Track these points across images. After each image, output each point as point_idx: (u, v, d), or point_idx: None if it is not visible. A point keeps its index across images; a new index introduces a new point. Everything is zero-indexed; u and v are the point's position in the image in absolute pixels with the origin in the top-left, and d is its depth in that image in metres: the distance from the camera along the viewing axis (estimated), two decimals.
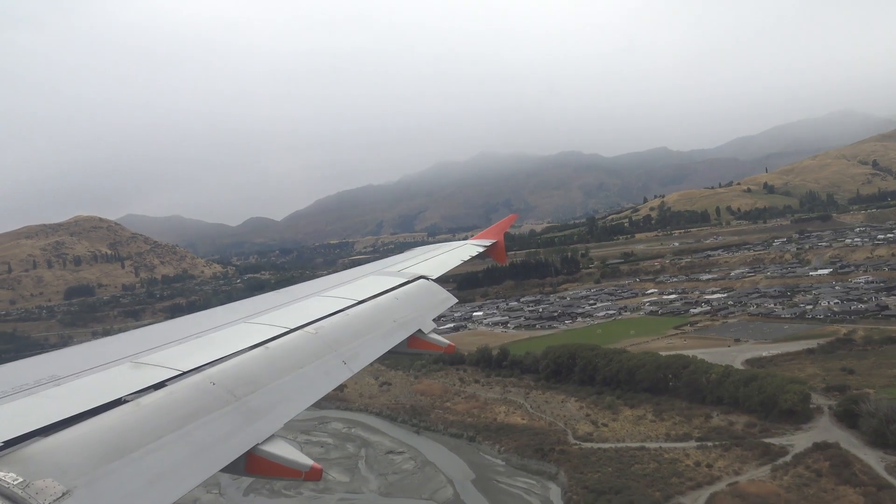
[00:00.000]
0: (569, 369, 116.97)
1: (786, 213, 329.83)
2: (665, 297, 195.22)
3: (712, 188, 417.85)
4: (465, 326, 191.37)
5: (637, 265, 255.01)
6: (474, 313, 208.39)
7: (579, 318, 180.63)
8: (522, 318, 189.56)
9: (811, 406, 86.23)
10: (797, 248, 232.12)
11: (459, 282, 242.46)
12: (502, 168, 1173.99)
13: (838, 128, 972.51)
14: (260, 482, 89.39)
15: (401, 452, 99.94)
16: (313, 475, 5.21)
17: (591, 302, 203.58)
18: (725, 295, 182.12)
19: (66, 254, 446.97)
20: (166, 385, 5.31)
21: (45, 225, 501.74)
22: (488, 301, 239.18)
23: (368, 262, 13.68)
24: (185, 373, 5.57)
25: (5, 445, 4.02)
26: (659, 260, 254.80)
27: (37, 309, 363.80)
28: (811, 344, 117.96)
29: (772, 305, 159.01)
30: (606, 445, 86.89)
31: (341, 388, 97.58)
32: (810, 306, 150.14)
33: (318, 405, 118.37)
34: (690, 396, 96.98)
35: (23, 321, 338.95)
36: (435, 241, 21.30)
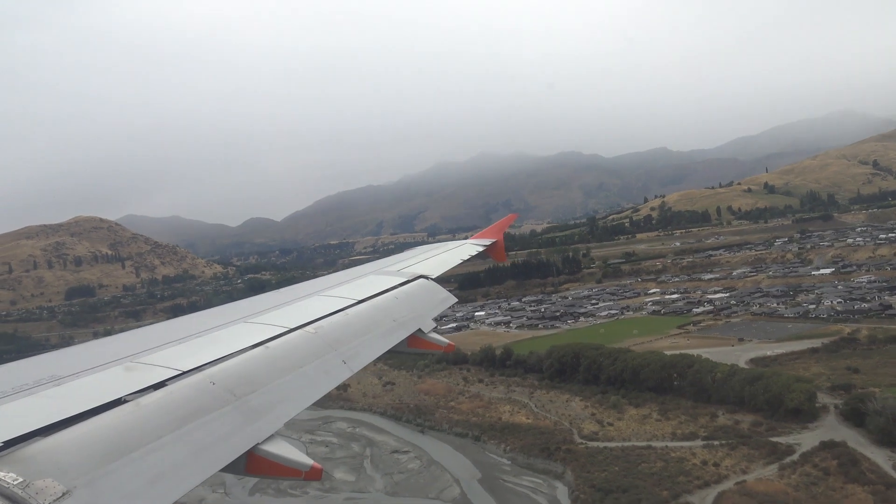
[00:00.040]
0: (573, 369, 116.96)
1: (787, 212, 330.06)
2: (667, 296, 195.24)
3: (713, 188, 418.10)
4: (468, 326, 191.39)
5: (639, 265, 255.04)
6: (476, 313, 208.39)
7: (582, 318, 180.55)
8: (525, 318, 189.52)
9: (817, 405, 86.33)
10: (799, 248, 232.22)
11: (461, 282, 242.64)
12: (502, 168, 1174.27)
13: (838, 128, 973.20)
14: (265, 482, 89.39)
15: (406, 452, 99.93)
16: (313, 475, 5.23)
17: (594, 301, 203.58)
18: (728, 294, 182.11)
19: (66, 254, 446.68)
20: (166, 385, 5.32)
21: (45, 225, 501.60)
22: (490, 301, 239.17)
23: (368, 262, 13.71)
24: (184, 372, 5.57)
25: (5, 445, 4.02)
26: (660, 260, 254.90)
27: (37, 309, 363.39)
28: (815, 343, 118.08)
29: (775, 305, 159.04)
30: (612, 444, 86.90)
31: (345, 387, 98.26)
32: (813, 306, 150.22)
33: (322, 405, 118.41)
34: (695, 396, 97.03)
35: (23, 322, 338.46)
36: (435, 242, 21.28)
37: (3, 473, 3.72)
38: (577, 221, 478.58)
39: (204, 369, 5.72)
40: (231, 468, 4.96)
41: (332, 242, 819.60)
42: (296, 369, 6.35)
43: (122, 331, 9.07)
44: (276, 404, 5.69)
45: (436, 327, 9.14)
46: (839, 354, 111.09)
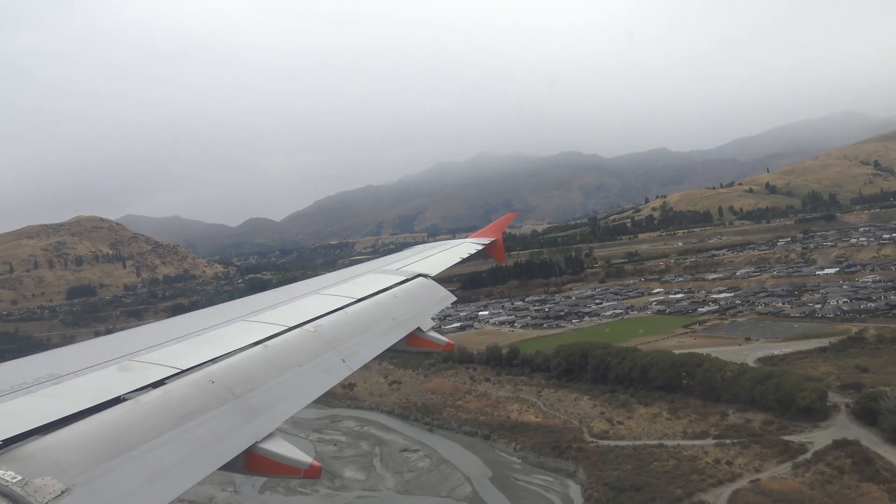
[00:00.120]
0: (581, 368, 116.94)
1: (788, 213, 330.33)
2: (671, 296, 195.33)
3: (714, 188, 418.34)
4: (472, 326, 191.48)
5: (641, 265, 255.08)
6: (480, 313, 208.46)
7: (586, 318, 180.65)
8: (529, 318, 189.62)
9: (828, 404, 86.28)
10: (802, 248, 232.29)
11: (463, 281, 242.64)
12: (502, 168, 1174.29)
13: (838, 128, 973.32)
14: (275, 480, 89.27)
15: (415, 450, 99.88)
16: (312, 473, 5.23)
17: (598, 301, 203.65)
18: (732, 294, 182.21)
19: (67, 254, 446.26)
20: (165, 383, 5.31)
21: (46, 225, 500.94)
22: (493, 301, 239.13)
23: (368, 262, 13.70)
24: (183, 371, 5.55)
25: (4, 444, 4.00)
26: (663, 259, 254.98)
27: (38, 309, 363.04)
28: (823, 342, 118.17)
29: (780, 304, 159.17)
30: (624, 443, 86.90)
31: (350, 386, 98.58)
32: (819, 305, 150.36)
33: (329, 403, 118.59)
34: (705, 394, 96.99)
35: (24, 321, 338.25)
36: (434, 242, 21.24)
37: (1, 472, 3.71)
38: (578, 222, 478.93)
39: (203, 368, 5.71)
40: (230, 466, 4.95)
41: (332, 243, 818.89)
42: (295, 368, 6.36)
43: (123, 330, 9.03)
44: (275, 403, 5.70)
45: (435, 326, 9.11)
46: (847, 354, 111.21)
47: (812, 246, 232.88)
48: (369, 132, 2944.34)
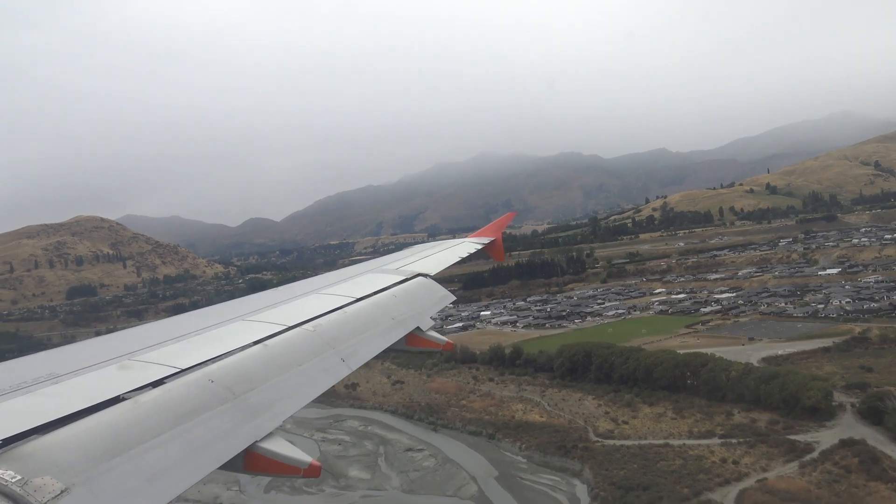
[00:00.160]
0: (584, 367, 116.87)
1: (789, 213, 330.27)
2: (673, 296, 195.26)
3: (714, 189, 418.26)
4: (474, 326, 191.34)
5: (643, 265, 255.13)
6: (482, 313, 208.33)
7: (588, 318, 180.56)
8: (531, 318, 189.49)
9: (833, 404, 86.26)
10: (804, 248, 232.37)
11: (465, 281, 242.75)
12: (502, 168, 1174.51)
13: (838, 129, 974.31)
14: (280, 479, 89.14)
15: (420, 450, 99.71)
16: (312, 472, 5.24)
17: (600, 301, 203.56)
18: (734, 294, 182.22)
19: (67, 254, 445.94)
20: (164, 383, 5.32)
21: (46, 225, 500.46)
22: (494, 301, 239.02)
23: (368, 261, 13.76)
24: (183, 370, 5.57)
25: (4, 443, 4.01)
26: (665, 260, 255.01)
27: (39, 309, 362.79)
28: (826, 342, 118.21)
29: (783, 304, 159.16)
30: (629, 443, 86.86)
31: (353, 386, 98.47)
32: (822, 305, 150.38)
33: (332, 403, 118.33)
34: (710, 394, 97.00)
35: (25, 321, 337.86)
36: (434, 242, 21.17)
37: (1, 471, 3.72)
38: (578, 222, 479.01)
39: (202, 367, 5.72)
40: (230, 466, 4.96)
41: (332, 243, 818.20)
42: (294, 367, 6.37)
43: (123, 330, 9.05)
44: (275, 402, 5.72)
45: (437, 326, 9.09)
46: (851, 353, 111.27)
47: (814, 246, 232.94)
48: (369, 132, 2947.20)
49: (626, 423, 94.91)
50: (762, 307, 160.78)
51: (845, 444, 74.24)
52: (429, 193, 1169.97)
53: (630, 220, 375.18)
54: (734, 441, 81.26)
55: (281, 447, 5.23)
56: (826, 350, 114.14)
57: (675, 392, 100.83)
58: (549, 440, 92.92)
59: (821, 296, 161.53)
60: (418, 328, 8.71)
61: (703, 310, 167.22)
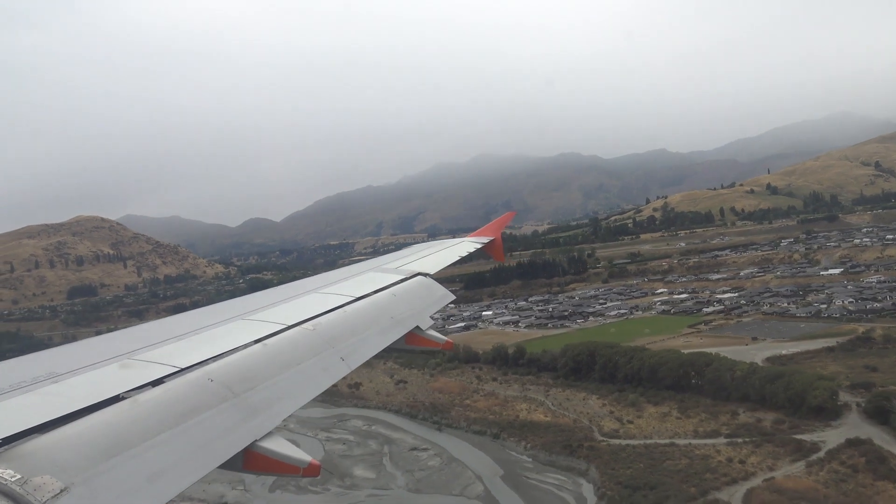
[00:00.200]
0: (588, 367, 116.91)
1: (790, 213, 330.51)
2: (676, 296, 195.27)
3: (715, 189, 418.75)
4: (476, 325, 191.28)
5: (644, 265, 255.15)
6: (483, 313, 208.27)
7: (591, 318, 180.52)
8: (533, 318, 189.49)
9: (839, 403, 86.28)
10: (806, 249, 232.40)
11: (466, 281, 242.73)
12: (502, 169, 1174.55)
13: (838, 129, 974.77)
14: (286, 478, 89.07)
15: (425, 449, 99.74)
16: (311, 471, 5.26)
17: (601, 301, 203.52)
18: (737, 294, 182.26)
19: (68, 254, 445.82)
20: (164, 382, 5.33)
21: (46, 225, 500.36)
22: (496, 301, 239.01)
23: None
24: (182, 369, 5.58)
25: (3, 442, 4.02)
26: (666, 260, 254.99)
27: (40, 309, 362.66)
28: (830, 342, 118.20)
29: (786, 304, 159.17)
30: (635, 442, 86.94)
31: (357, 386, 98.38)
32: (824, 305, 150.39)
33: (335, 403, 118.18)
34: (715, 394, 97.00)
35: (26, 321, 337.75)
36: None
37: (1, 470, 3.73)
38: (579, 222, 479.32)
39: (202, 366, 5.73)
40: (229, 465, 4.96)
41: (331, 243, 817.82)
42: (294, 366, 6.38)
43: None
44: (275, 401, 5.73)
45: (438, 326, 9.09)
46: (855, 353, 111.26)
47: (815, 246, 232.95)
48: (369, 132, 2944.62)
49: (630, 422, 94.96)
50: (765, 307, 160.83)
51: (852, 443, 74.30)
52: (429, 194, 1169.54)
53: (631, 221, 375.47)
54: (740, 440, 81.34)
55: (280, 446, 5.24)
56: (830, 350, 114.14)
57: (679, 392, 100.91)
58: (554, 439, 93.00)
59: (823, 296, 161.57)
60: (418, 327, 8.74)
61: (705, 310, 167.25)
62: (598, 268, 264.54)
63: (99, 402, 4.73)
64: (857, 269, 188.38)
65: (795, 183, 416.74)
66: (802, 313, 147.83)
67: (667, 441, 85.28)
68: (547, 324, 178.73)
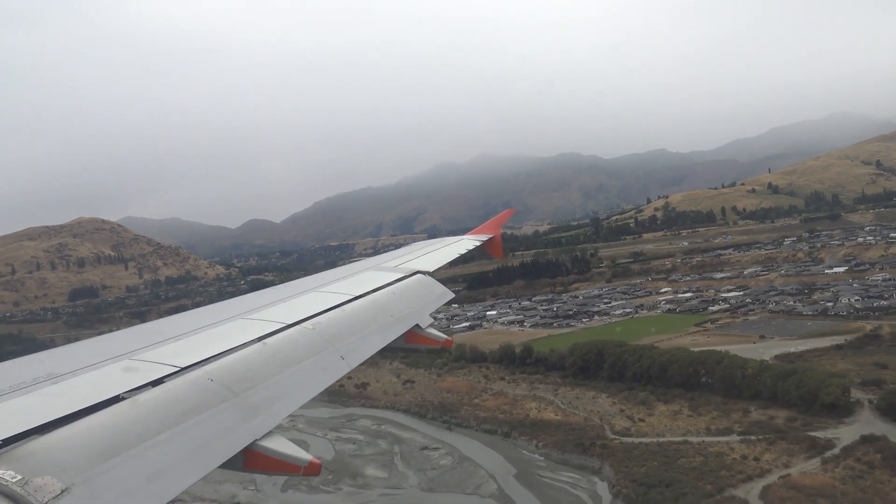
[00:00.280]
0: (597, 366, 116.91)
1: (792, 212, 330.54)
2: (680, 295, 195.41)
3: (716, 188, 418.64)
4: (480, 325, 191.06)
5: (648, 264, 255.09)
6: (488, 312, 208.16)
7: (596, 317, 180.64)
8: (538, 317, 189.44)
9: (851, 400, 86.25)
10: (809, 247, 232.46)
11: (469, 281, 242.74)
12: (502, 169, 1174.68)
13: (838, 129, 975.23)
14: (297, 478, 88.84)
15: (436, 448, 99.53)
16: (312, 470, 5.28)
17: (606, 300, 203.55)
18: (742, 293, 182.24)
19: (69, 255, 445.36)
20: (164, 382, 5.33)
21: (47, 227, 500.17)
22: (499, 300, 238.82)
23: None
24: (182, 369, 5.58)
25: (4, 443, 4.02)
26: (670, 259, 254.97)
27: (41, 310, 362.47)
28: (838, 340, 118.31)
29: (792, 303, 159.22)
30: (648, 440, 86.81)
31: (364, 385, 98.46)
32: (831, 303, 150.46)
33: (343, 403, 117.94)
34: (725, 391, 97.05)
35: (27, 323, 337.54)
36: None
37: (1, 471, 3.73)
38: (580, 222, 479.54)
39: (202, 366, 5.73)
40: (229, 465, 4.97)
41: (331, 244, 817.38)
42: (294, 365, 6.39)
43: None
44: (275, 400, 5.72)
45: (443, 326, 9.03)
46: (864, 351, 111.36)
47: (819, 245, 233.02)
48: (369, 133, 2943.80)
49: (642, 420, 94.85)
50: (771, 305, 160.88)
51: (866, 440, 74.35)
52: (428, 194, 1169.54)
53: (632, 220, 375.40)
54: (753, 438, 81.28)
55: (281, 445, 5.23)
56: (839, 347, 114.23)
57: (689, 390, 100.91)
58: (565, 438, 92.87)
59: (829, 294, 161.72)
60: (417, 325, 8.73)
61: (710, 308, 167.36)
62: (602, 267, 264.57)
63: (99, 403, 4.72)
64: (862, 268, 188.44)
65: (796, 182, 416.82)
66: (809, 311, 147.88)
67: (679, 439, 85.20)
68: (552, 323, 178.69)
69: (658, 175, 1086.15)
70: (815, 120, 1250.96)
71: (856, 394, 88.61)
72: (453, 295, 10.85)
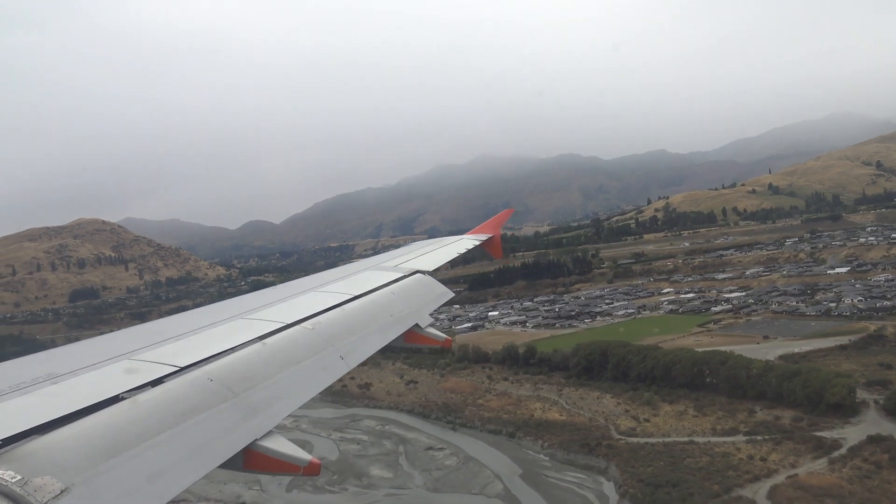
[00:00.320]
0: (601, 366, 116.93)
1: (793, 213, 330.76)
2: (682, 295, 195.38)
3: (717, 189, 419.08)
4: (483, 326, 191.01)
5: (649, 265, 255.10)
6: (490, 313, 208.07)
7: (598, 317, 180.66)
8: (540, 318, 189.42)
9: (857, 400, 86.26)
10: (811, 248, 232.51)
11: (471, 282, 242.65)
12: (501, 170, 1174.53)
13: (838, 129, 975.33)
14: (303, 478, 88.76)
15: (441, 448, 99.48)
16: (312, 470, 5.29)
17: (608, 301, 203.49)
18: (744, 294, 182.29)
19: (69, 256, 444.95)
20: (164, 382, 5.35)
21: (48, 227, 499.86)
22: (501, 301, 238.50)
23: None
24: (182, 369, 5.59)
25: (3, 443, 4.03)
26: (671, 260, 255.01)
27: (42, 311, 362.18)
28: (842, 340, 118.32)
29: (794, 303, 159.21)
30: (653, 440, 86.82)
31: (367, 386, 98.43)
32: (834, 304, 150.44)
33: (347, 403, 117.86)
34: (730, 392, 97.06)
35: (28, 323, 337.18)
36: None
37: (1, 471, 3.74)
38: (580, 223, 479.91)
39: (201, 366, 5.73)
40: (229, 464, 4.98)
41: (331, 245, 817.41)
42: (293, 365, 6.40)
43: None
44: (274, 400, 5.74)
45: (445, 326, 9.00)
46: (868, 351, 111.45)
47: (820, 245, 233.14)
48: (369, 134, 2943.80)
49: (647, 420, 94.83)
50: (773, 306, 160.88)
51: (873, 440, 74.39)
52: (428, 195, 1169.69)
53: (633, 221, 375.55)
54: (759, 438, 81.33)
55: (280, 445, 5.23)
56: (843, 348, 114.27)
57: (694, 390, 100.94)
58: (571, 438, 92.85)
59: (832, 294, 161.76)
60: (417, 325, 8.72)
61: (713, 309, 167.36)
62: (603, 268, 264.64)
63: (99, 403, 4.72)
64: (864, 268, 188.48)
65: (797, 183, 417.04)
66: (812, 312, 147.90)
67: (685, 439, 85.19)
68: (555, 324, 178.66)
69: (658, 175, 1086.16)
70: (815, 120, 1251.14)
71: (861, 394, 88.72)
72: (453, 294, 10.87)
